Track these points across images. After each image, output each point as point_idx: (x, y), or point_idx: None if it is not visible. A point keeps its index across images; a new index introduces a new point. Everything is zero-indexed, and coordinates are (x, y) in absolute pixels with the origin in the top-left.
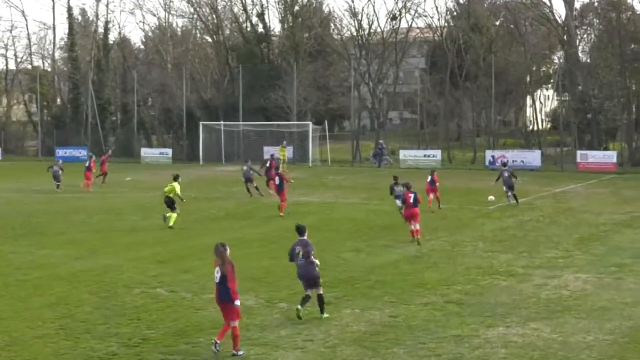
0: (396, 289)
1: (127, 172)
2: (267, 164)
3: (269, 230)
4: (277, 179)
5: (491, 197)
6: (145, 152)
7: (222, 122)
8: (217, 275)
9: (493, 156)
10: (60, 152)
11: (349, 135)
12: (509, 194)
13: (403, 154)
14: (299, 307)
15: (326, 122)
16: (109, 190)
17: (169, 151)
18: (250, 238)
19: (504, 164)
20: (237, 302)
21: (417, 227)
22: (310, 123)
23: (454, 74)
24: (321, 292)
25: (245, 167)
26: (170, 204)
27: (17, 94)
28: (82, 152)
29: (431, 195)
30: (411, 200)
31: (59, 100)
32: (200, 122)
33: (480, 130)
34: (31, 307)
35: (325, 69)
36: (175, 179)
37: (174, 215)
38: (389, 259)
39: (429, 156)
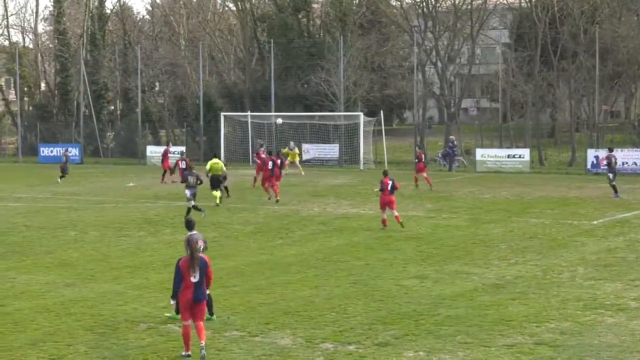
0: (472, 327)
1: (129, 176)
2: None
3: (309, 251)
4: (270, 163)
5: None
6: (151, 150)
7: (249, 113)
8: (196, 274)
9: (597, 157)
10: (44, 150)
11: (411, 129)
12: (614, 183)
13: (480, 153)
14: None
15: (382, 112)
16: (107, 199)
17: (182, 149)
18: (286, 261)
19: (610, 149)
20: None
21: (396, 213)
22: (361, 114)
23: (545, 51)
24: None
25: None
26: (217, 184)
27: None
28: (72, 152)
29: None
30: (389, 187)
31: (43, 85)
32: (222, 114)
33: (581, 124)
34: (11, 346)
35: (380, 45)
36: (216, 155)
37: (218, 194)
38: (462, 288)
39: (514, 157)
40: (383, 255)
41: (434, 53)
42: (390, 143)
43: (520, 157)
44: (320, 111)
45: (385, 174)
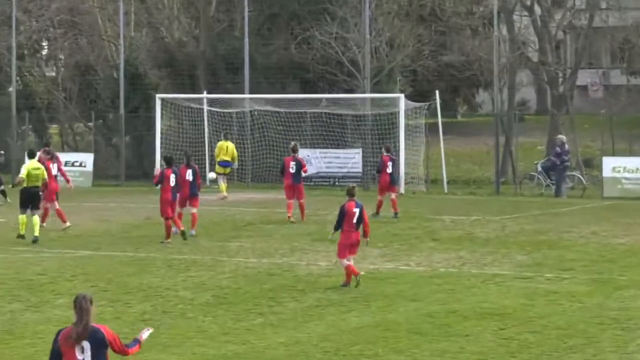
0: None
1: None
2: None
3: (309, 338)
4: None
5: None
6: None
7: (205, 95)
8: (85, 355)
9: None
10: None
11: (489, 123)
12: None
13: (611, 165)
14: None
15: (438, 94)
16: None
17: (88, 159)
18: (269, 356)
19: None
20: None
21: (352, 261)
22: (401, 97)
23: None
24: None
25: None
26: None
27: None
28: None
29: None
30: (354, 219)
31: None
32: (157, 95)
33: None
34: None
35: None
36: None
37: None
38: None
39: None
40: (441, 344)
41: None
42: (454, 146)
43: None
44: (330, 91)
45: (353, 194)
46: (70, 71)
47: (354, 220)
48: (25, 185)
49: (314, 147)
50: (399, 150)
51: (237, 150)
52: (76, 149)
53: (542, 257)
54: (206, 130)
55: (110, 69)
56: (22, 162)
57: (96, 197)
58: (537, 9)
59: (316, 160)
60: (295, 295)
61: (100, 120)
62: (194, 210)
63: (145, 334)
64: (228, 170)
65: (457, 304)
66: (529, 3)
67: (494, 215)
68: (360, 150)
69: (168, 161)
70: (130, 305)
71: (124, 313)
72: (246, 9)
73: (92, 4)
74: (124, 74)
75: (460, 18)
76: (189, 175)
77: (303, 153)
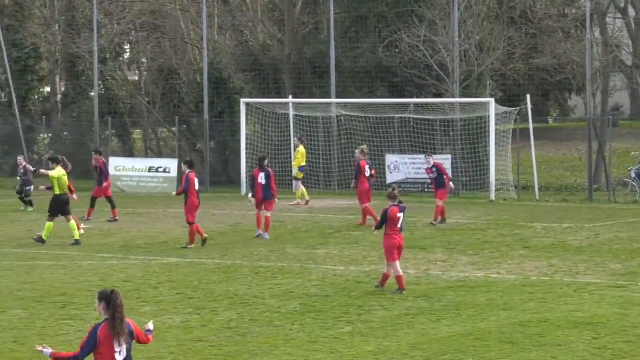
0: None
1: (79, 211)
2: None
3: (399, 347)
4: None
5: None
6: (118, 165)
7: (290, 100)
8: (122, 349)
9: None
10: None
11: (582, 128)
12: None
13: None
14: None
15: (529, 98)
16: (42, 253)
17: (172, 165)
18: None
19: None
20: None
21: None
22: (491, 101)
23: None
24: None
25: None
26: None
27: None
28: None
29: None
30: (399, 223)
31: None
32: (242, 100)
33: None
34: None
35: None
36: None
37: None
38: None
39: None
40: (533, 354)
41: None
42: (546, 152)
43: None
44: (418, 96)
45: (395, 198)
46: (153, 75)
47: (399, 225)
48: (58, 192)
49: (402, 153)
50: (489, 155)
51: (325, 157)
52: (160, 155)
53: (636, 265)
54: (292, 135)
55: (193, 73)
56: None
57: (181, 204)
58: (631, 11)
59: (404, 166)
60: (384, 303)
61: (184, 126)
62: (268, 213)
63: (152, 325)
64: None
65: (549, 313)
66: (622, 5)
67: (587, 222)
68: (449, 156)
69: (191, 165)
70: (217, 313)
71: (210, 321)
72: (332, 12)
73: (174, 6)
74: (208, 78)
75: (551, 20)
76: (261, 178)
77: (391, 159)
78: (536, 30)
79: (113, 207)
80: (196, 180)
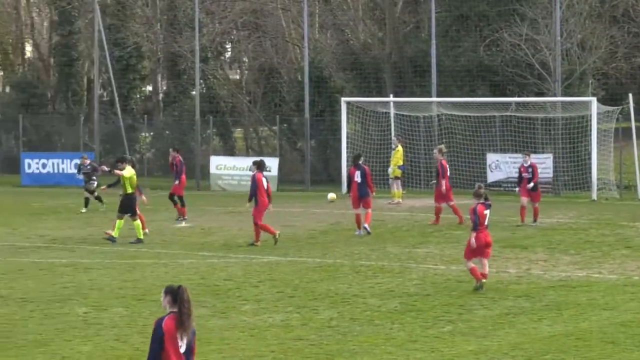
0: None
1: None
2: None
3: (499, 347)
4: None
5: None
6: (219, 164)
7: (391, 99)
8: (184, 344)
9: None
10: (31, 164)
11: None
12: None
13: None
14: None
15: (631, 97)
16: (142, 250)
17: (273, 164)
18: None
19: None
20: None
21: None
22: (593, 100)
23: None
24: None
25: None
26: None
27: None
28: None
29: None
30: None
31: (29, 49)
32: (343, 99)
33: None
34: None
35: None
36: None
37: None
38: None
39: None
40: (635, 354)
41: None
42: None
43: None
44: (520, 94)
45: (481, 196)
46: (254, 74)
47: (486, 222)
48: (129, 191)
49: (504, 152)
50: (590, 154)
51: (425, 156)
52: (261, 153)
53: None
54: (392, 134)
55: (294, 72)
56: (207, 167)
57: (281, 202)
58: None
59: (505, 165)
60: (484, 302)
61: (285, 124)
62: (369, 210)
63: None
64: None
65: None
66: None
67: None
68: (551, 155)
69: (259, 166)
70: (317, 312)
71: (310, 319)
72: (433, 11)
73: (275, 5)
74: (308, 76)
75: None
76: (357, 176)
77: (492, 158)
78: (639, 29)
79: (182, 205)
80: (264, 180)
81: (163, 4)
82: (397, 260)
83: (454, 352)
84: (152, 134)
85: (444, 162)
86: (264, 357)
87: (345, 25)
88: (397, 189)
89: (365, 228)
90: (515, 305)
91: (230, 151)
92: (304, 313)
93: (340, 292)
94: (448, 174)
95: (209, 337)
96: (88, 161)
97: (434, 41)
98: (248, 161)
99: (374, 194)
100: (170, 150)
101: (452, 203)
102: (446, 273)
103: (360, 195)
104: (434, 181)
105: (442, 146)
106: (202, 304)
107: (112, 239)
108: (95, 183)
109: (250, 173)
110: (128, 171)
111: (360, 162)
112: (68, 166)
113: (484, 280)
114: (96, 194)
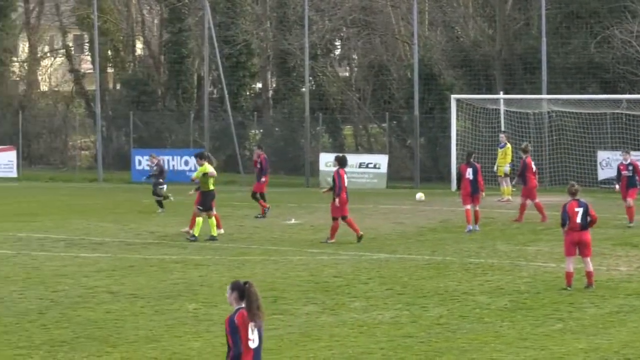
0: None
1: (289, 207)
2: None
3: (610, 345)
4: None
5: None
6: (328, 160)
7: (501, 96)
8: (255, 336)
9: None
10: (142, 161)
11: None
12: None
13: None
14: None
15: None
16: (252, 247)
17: (382, 161)
18: None
19: None
20: None
21: (590, 265)
22: None
23: None
24: None
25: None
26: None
27: (47, 33)
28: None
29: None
30: (578, 218)
31: (140, 46)
32: (452, 96)
33: None
34: None
35: None
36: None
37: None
38: None
39: None
40: None
41: None
42: None
43: None
44: (631, 92)
45: (574, 193)
46: (364, 71)
47: (578, 220)
48: (211, 187)
49: (614, 149)
50: None
51: (535, 153)
52: (370, 151)
53: None
54: (502, 129)
55: (404, 69)
56: (316, 164)
57: (391, 199)
58: None
59: (616, 162)
60: (595, 300)
61: (394, 122)
62: (477, 207)
63: None
64: None
65: None
66: None
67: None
68: None
69: (341, 162)
70: (427, 309)
71: (420, 317)
72: (543, 8)
73: (385, 2)
74: (418, 74)
75: None
76: (469, 173)
77: (602, 155)
78: None
79: (264, 200)
80: (345, 176)
81: (273, 2)
82: (506, 258)
83: (564, 350)
84: (261, 131)
85: (528, 159)
86: (373, 354)
87: (455, 22)
88: (506, 185)
89: (471, 230)
90: (626, 303)
91: (339, 148)
92: (413, 310)
93: (449, 290)
94: (534, 170)
95: (318, 334)
96: (156, 160)
97: (544, 38)
98: (357, 158)
99: (483, 193)
100: (255, 148)
101: (536, 201)
102: (556, 271)
103: (473, 192)
104: (517, 179)
105: (526, 144)
106: (312, 301)
107: (193, 238)
108: (165, 187)
109: (333, 169)
110: (205, 168)
111: (472, 159)
112: (178, 163)
113: (593, 280)
114: (159, 197)
